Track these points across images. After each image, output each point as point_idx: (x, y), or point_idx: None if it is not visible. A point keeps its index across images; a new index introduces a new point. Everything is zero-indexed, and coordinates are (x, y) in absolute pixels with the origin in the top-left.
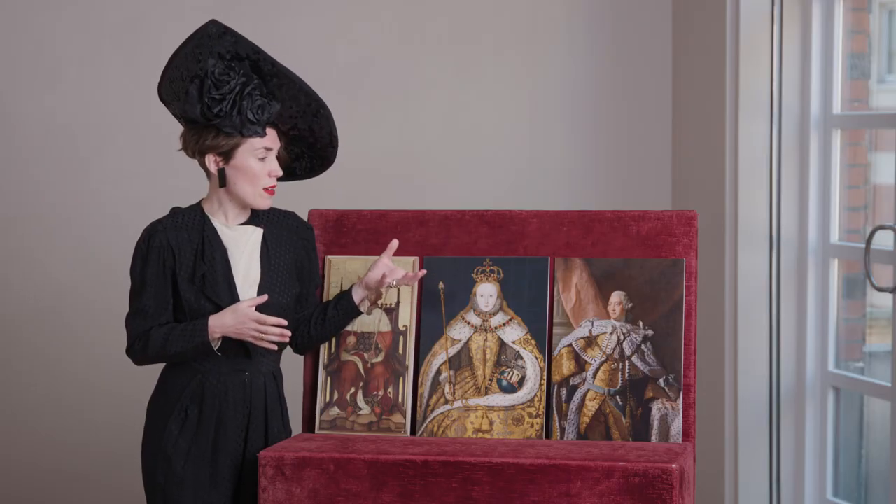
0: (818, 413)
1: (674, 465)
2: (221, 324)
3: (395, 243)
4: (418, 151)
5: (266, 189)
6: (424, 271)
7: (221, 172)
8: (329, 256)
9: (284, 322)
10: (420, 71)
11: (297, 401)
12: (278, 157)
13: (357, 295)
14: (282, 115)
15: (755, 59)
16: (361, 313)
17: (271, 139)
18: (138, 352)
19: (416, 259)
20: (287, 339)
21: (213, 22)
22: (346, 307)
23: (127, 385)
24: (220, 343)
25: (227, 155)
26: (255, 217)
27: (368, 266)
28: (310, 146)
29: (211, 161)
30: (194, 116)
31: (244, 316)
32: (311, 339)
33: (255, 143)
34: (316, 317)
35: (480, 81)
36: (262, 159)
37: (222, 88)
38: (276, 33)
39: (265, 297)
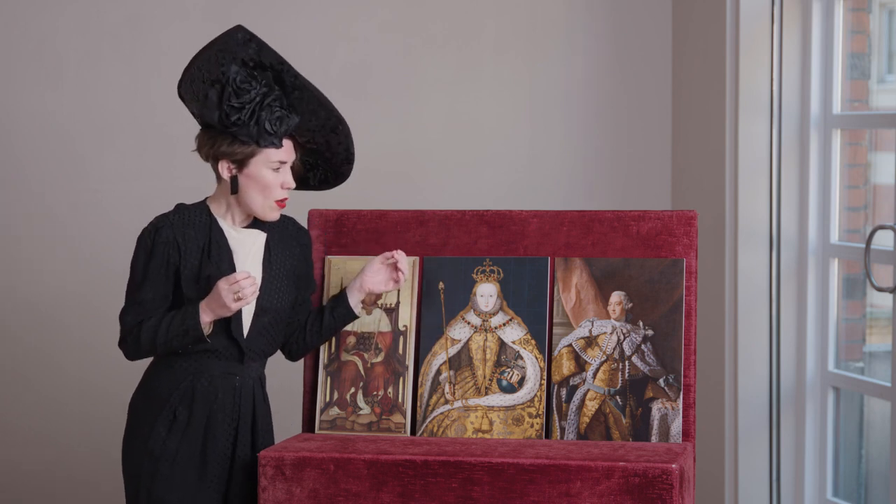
0: (818, 413)
1: (674, 465)
2: (207, 303)
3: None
4: (418, 151)
5: (277, 201)
6: (404, 257)
7: (234, 180)
8: (329, 256)
9: (247, 273)
10: (420, 71)
11: (297, 401)
12: (292, 168)
13: (353, 298)
14: (300, 128)
15: (755, 59)
16: (358, 317)
17: (287, 151)
18: (131, 343)
19: (417, 259)
20: (256, 287)
21: (239, 27)
22: (342, 313)
23: (127, 386)
24: (210, 328)
25: (241, 163)
26: (258, 221)
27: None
28: (326, 160)
29: (224, 167)
30: (211, 122)
31: (217, 285)
32: (307, 346)
33: (271, 154)
34: (311, 324)
35: (480, 81)
36: (276, 170)
37: (242, 97)
38: (276, 33)
39: (247, 274)
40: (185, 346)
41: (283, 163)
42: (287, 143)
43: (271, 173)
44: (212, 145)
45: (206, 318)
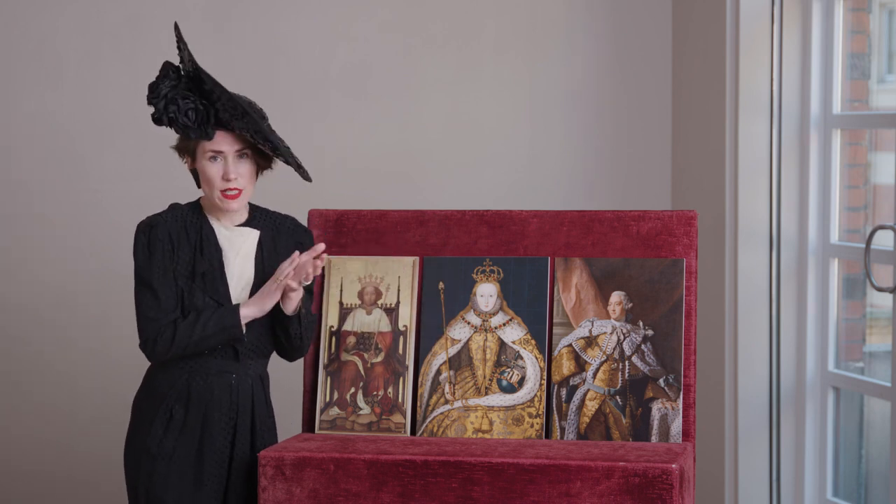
0: (818, 413)
1: (674, 465)
2: (256, 297)
3: (320, 246)
4: (418, 151)
5: (223, 192)
6: (322, 245)
7: (194, 172)
8: (329, 256)
9: (321, 246)
10: (420, 71)
11: (297, 401)
12: (258, 159)
13: (284, 304)
14: (233, 120)
15: (755, 59)
16: (290, 316)
17: (223, 142)
18: (166, 340)
19: (416, 259)
20: (324, 252)
21: (175, 25)
22: (279, 317)
23: (127, 387)
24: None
25: (191, 156)
26: (253, 220)
27: (367, 266)
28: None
29: (185, 160)
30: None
31: (266, 283)
32: (284, 348)
33: (205, 144)
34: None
35: (480, 81)
36: (213, 160)
37: (154, 91)
38: (276, 33)
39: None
40: (221, 343)
41: (218, 152)
42: (224, 134)
43: (209, 164)
44: (177, 140)
45: (248, 311)
